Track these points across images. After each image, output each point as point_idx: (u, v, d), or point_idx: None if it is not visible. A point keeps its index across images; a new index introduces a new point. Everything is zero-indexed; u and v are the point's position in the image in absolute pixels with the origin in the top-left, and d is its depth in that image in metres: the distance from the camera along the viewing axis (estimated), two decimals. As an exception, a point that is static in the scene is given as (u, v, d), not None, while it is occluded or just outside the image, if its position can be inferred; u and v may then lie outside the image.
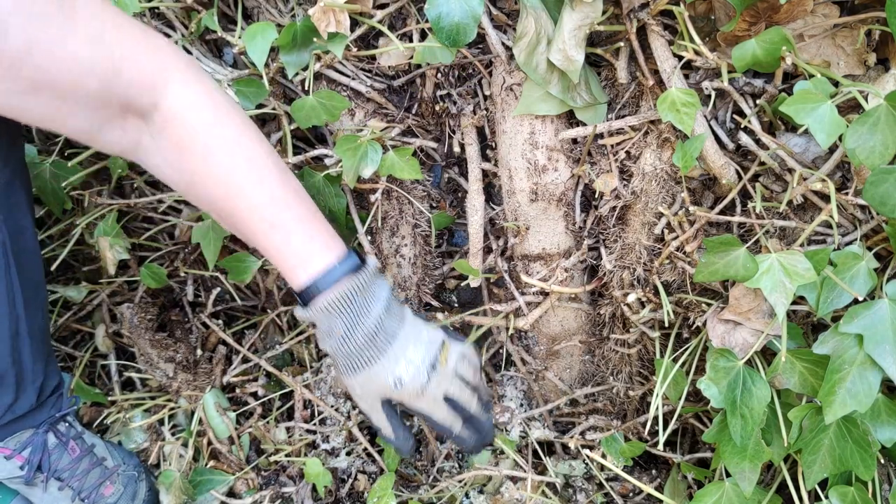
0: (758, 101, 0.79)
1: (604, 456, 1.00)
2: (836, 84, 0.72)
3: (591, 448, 1.03)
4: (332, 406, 1.09)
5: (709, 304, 0.84)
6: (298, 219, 0.76)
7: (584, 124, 0.89)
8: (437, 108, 0.96)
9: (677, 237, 0.85)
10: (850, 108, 0.76)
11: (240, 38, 0.92)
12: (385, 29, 0.85)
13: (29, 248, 0.93)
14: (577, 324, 1.02)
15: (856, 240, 0.76)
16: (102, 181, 1.18)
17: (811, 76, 0.71)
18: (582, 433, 1.05)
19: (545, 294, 0.98)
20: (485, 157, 0.98)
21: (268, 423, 1.13)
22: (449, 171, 1.05)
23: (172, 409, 1.18)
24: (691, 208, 0.82)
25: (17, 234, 0.90)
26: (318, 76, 0.94)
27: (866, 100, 0.70)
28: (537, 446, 1.06)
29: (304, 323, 0.91)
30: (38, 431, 0.96)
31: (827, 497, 0.73)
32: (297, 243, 0.76)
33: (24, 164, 0.92)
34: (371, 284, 0.77)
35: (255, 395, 1.18)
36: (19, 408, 0.94)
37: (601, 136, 0.89)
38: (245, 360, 1.21)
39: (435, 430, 0.87)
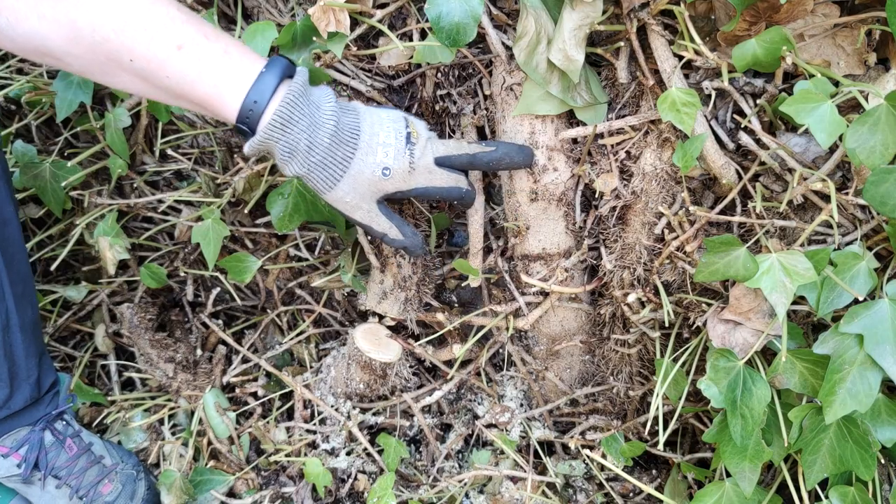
0: (758, 101, 0.79)
1: (604, 456, 1.00)
2: (836, 84, 0.72)
3: (591, 448, 1.03)
4: (332, 406, 1.09)
5: (709, 304, 0.84)
6: (208, 31, 0.68)
7: (585, 124, 0.89)
8: (437, 107, 0.96)
9: (677, 237, 0.85)
10: (851, 107, 0.76)
11: (240, 37, 0.92)
12: (385, 28, 0.85)
13: (14, 240, 0.93)
14: (577, 324, 1.02)
15: (856, 240, 0.76)
16: (102, 181, 1.18)
17: (811, 76, 0.71)
18: (582, 433, 1.05)
19: (545, 294, 0.98)
20: (485, 157, 0.98)
21: (268, 423, 1.13)
22: (449, 170, 1.05)
23: (172, 408, 1.18)
24: (691, 208, 0.82)
25: (2, 225, 0.90)
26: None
27: (866, 100, 0.70)
28: (537, 446, 1.06)
29: (259, 155, 0.82)
30: (34, 429, 0.96)
31: (827, 497, 0.73)
32: (216, 61, 0.67)
33: (2, 155, 0.91)
34: (308, 84, 0.71)
35: (254, 395, 1.18)
36: (15, 403, 0.94)
37: (601, 135, 0.89)
38: (245, 360, 1.21)
39: (448, 200, 0.83)
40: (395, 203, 0.84)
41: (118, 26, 0.66)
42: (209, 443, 1.11)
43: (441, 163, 0.78)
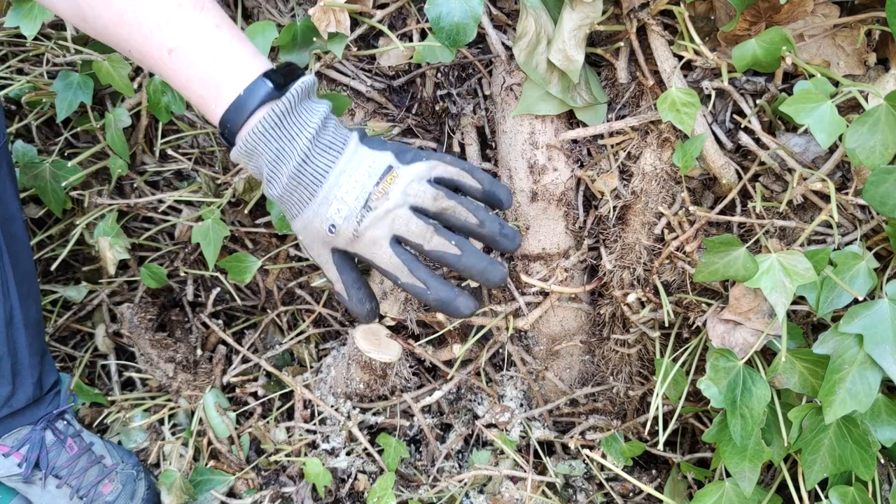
0: (758, 101, 0.79)
1: (604, 456, 1.00)
2: (836, 84, 0.72)
3: (591, 448, 1.03)
4: (332, 406, 1.09)
5: (709, 304, 0.84)
6: (200, 37, 0.65)
7: (585, 124, 0.89)
8: (437, 107, 0.96)
9: (677, 237, 0.85)
10: (851, 107, 0.76)
11: (240, 37, 0.92)
12: (385, 28, 0.85)
13: (20, 238, 0.93)
14: (577, 324, 1.02)
15: (856, 240, 0.76)
16: (102, 181, 1.18)
17: (811, 76, 0.71)
18: (582, 433, 1.05)
19: (545, 294, 0.98)
20: (485, 157, 0.98)
21: (268, 423, 1.13)
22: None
23: (172, 408, 1.18)
24: (691, 208, 0.82)
25: (8, 222, 0.90)
26: (318, 76, 0.94)
27: (866, 100, 0.70)
28: (537, 446, 1.06)
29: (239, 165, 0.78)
30: (35, 428, 0.96)
31: (827, 497, 0.73)
32: (203, 69, 0.65)
33: (8, 153, 0.91)
34: (297, 109, 0.66)
35: (255, 395, 1.18)
36: (17, 401, 0.94)
37: (601, 136, 0.89)
38: (245, 360, 1.21)
39: (386, 278, 0.72)
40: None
41: (115, 19, 0.65)
42: (209, 443, 1.11)
43: (400, 241, 0.69)
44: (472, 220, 0.70)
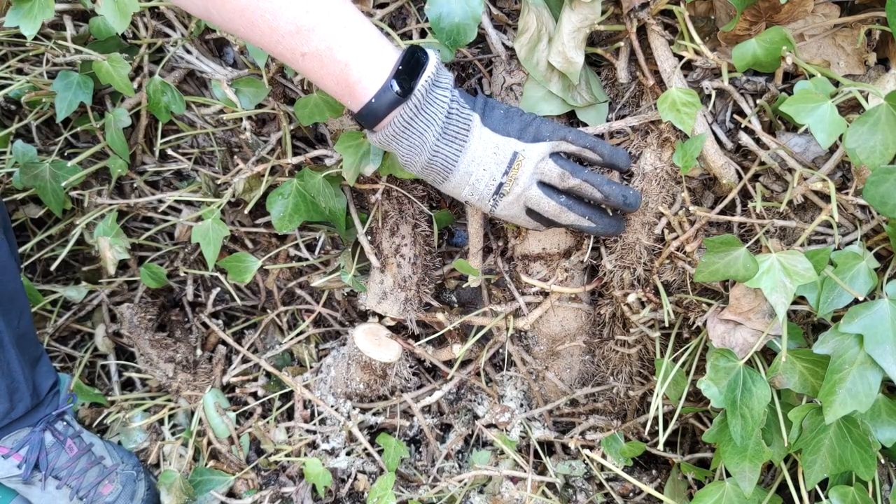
0: (758, 101, 0.79)
1: (604, 456, 1.00)
2: (836, 84, 0.72)
3: (591, 448, 1.03)
4: (332, 406, 1.09)
5: (709, 304, 0.84)
6: (331, 41, 0.69)
7: (585, 124, 0.89)
8: (437, 107, 0.96)
9: (677, 237, 0.85)
10: (851, 107, 0.76)
11: (240, 37, 0.92)
12: (386, 27, 0.85)
13: (2, 259, 0.93)
14: (577, 324, 1.02)
15: (856, 240, 0.76)
16: (102, 181, 1.18)
17: (811, 76, 0.71)
18: (582, 433, 1.05)
19: (545, 294, 0.98)
20: (485, 157, 0.98)
21: (268, 423, 1.13)
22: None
23: (172, 409, 1.18)
24: (691, 208, 0.82)
25: None
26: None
27: (866, 99, 0.70)
28: (537, 446, 1.06)
29: None
30: (35, 430, 0.96)
31: (827, 497, 0.73)
32: (335, 72, 0.70)
33: None
34: (424, 107, 0.72)
35: (254, 395, 1.18)
36: (15, 413, 0.94)
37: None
38: (245, 360, 1.21)
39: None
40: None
41: (246, 25, 0.68)
42: (209, 443, 1.11)
43: (531, 212, 0.80)
44: (597, 195, 0.80)
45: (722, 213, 0.84)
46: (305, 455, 1.08)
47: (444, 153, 0.75)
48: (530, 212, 0.80)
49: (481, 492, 1.04)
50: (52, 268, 1.18)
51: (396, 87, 0.70)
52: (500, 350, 1.10)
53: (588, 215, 0.81)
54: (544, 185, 0.79)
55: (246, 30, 0.69)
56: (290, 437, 1.11)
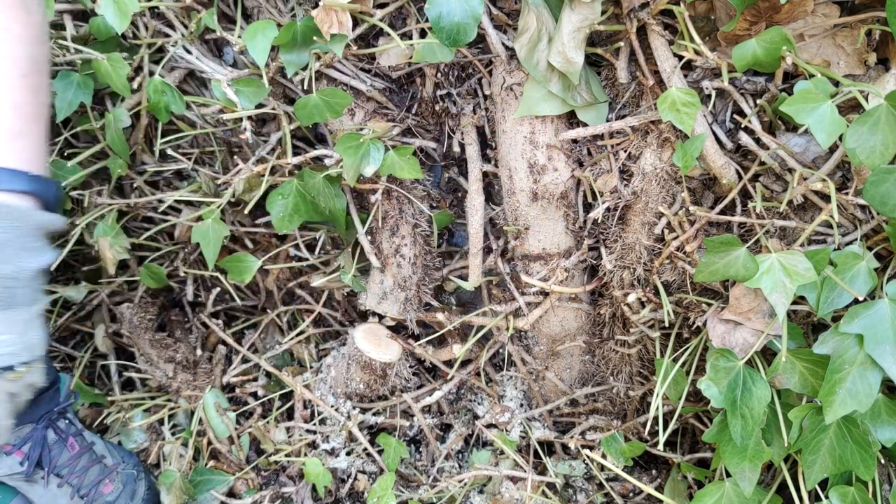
0: (758, 101, 0.79)
1: (604, 456, 1.00)
2: (836, 84, 0.72)
3: (591, 448, 1.03)
4: (332, 406, 1.09)
5: (709, 304, 0.84)
6: None
7: (585, 124, 0.89)
8: (437, 107, 0.96)
9: (677, 237, 0.85)
10: (851, 107, 0.76)
11: (240, 37, 0.92)
12: (386, 27, 0.85)
13: None
14: (577, 324, 1.02)
15: (856, 240, 0.76)
16: (102, 181, 1.18)
17: (811, 76, 0.71)
18: (582, 433, 1.05)
19: (545, 294, 0.98)
20: (485, 157, 0.98)
21: (268, 423, 1.13)
22: (449, 171, 1.05)
23: (172, 408, 1.18)
24: (691, 208, 0.82)
25: None
26: (318, 76, 0.94)
27: (866, 99, 0.70)
28: (537, 446, 1.06)
29: None
30: (37, 427, 0.96)
31: (827, 497, 0.73)
32: None
33: None
34: None
35: (254, 395, 1.18)
36: None
37: (601, 136, 0.89)
38: (245, 360, 1.21)
39: None
40: None
41: None
42: (209, 443, 1.11)
43: None
44: None
45: (722, 213, 0.84)
46: (305, 455, 1.08)
47: None
48: None
49: (481, 492, 1.04)
50: (52, 268, 1.18)
51: None
52: (500, 350, 1.10)
53: None
54: None
55: None
56: (290, 437, 1.11)
